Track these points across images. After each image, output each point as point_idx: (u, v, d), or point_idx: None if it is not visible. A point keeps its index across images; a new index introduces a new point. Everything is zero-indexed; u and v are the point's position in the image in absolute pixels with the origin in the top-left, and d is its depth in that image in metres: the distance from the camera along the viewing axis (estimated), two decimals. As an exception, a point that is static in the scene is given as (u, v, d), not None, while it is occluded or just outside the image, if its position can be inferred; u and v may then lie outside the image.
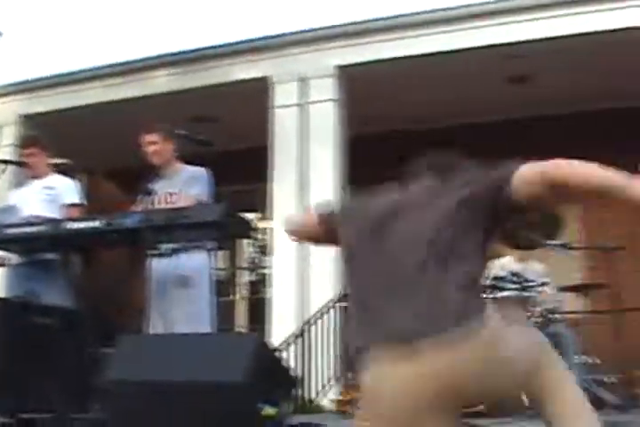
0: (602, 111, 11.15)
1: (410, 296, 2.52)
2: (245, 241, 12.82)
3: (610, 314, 9.10)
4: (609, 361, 8.98)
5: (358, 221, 2.90)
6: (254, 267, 13.54)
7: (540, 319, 6.67)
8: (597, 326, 9.64)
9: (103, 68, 11.02)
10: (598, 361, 7.18)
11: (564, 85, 10.56)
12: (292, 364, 7.48)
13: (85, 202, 6.24)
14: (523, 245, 6.76)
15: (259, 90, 9.74)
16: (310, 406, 7.71)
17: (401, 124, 12.19)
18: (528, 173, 2.60)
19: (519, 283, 6.40)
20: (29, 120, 11.21)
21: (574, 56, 9.71)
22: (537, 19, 9.12)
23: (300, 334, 8.14)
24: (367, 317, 2.60)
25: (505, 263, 7.45)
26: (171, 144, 5.72)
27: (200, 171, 5.64)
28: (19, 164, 6.62)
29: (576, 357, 6.96)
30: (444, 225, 2.62)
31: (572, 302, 7.37)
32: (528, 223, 6.56)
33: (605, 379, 6.99)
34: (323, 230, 3.17)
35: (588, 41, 9.11)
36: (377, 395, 2.55)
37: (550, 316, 6.83)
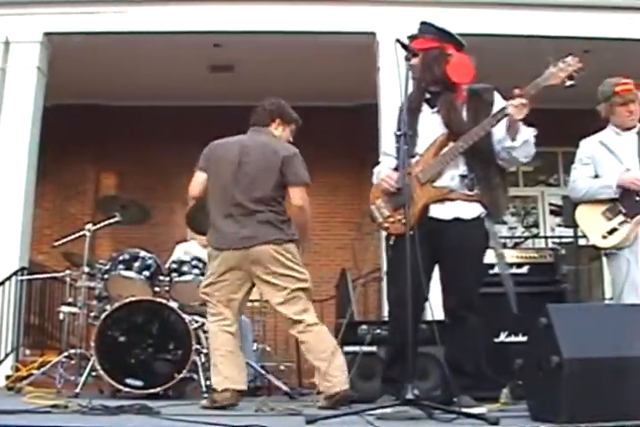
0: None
1: None
2: None
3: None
4: (284, 350, 9.41)
5: None
6: None
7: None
8: (274, 315, 10.05)
9: None
10: (269, 349, 7.48)
11: (264, 79, 10.95)
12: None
13: None
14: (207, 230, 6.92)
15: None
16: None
17: (102, 98, 12.10)
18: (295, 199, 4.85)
19: (201, 268, 6.52)
20: None
21: (276, 52, 10.09)
22: (243, 11, 9.31)
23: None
24: None
25: (189, 248, 7.57)
26: None
27: None
28: None
29: (253, 344, 7.21)
30: None
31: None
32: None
33: (282, 367, 7.29)
34: None
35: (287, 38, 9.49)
36: None
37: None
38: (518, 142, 4.35)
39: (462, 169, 4.41)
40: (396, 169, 4.49)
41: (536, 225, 13.41)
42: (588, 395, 3.25)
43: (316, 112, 11.82)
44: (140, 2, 9.31)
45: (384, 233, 4.64)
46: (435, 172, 4.32)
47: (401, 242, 4.29)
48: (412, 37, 4.55)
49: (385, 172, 4.57)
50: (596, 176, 5.21)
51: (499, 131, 4.39)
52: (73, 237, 7.06)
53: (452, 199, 4.37)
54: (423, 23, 4.65)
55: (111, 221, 7.02)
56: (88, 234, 6.86)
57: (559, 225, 12.51)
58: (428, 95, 4.56)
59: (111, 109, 12.36)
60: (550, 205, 13.23)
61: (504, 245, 12.62)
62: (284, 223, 4.84)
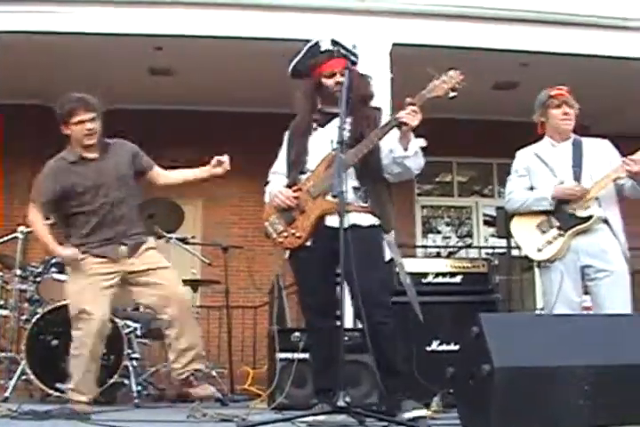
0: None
1: None
2: None
3: (219, 310, 9.49)
4: (216, 355, 9.38)
5: None
6: None
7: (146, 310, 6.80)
8: (207, 320, 10.03)
9: None
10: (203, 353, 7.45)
11: (204, 83, 10.94)
12: None
13: None
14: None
15: None
16: None
17: (43, 99, 11.96)
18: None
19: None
20: None
21: (217, 57, 10.08)
22: (184, 15, 9.23)
23: None
24: None
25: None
26: None
27: None
28: None
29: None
30: None
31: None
32: (149, 215, 6.74)
33: (213, 373, 7.27)
34: None
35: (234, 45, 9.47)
36: None
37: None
38: (411, 152, 4.39)
39: (354, 182, 4.44)
40: (288, 187, 4.58)
41: (470, 235, 13.54)
42: (519, 404, 3.29)
43: (256, 119, 11.86)
44: (83, 2, 9.19)
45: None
46: (326, 185, 4.29)
47: (297, 254, 4.49)
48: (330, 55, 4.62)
49: (277, 189, 4.61)
50: (531, 188, 5.28)
51: (387, 144, 4.43)
52: (5, 238, 6.98)
53: (345, 211, 4.25)
54: (336, 43, 4.68)
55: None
56: (21, 236, 6.79)
57: (493, 236, 12.66)
58: (316, 115, 4.62)
59: (52, 110, 12.21)
60: (484, 215, 13.37)
61: (438, 255, 12.82)
62: None
